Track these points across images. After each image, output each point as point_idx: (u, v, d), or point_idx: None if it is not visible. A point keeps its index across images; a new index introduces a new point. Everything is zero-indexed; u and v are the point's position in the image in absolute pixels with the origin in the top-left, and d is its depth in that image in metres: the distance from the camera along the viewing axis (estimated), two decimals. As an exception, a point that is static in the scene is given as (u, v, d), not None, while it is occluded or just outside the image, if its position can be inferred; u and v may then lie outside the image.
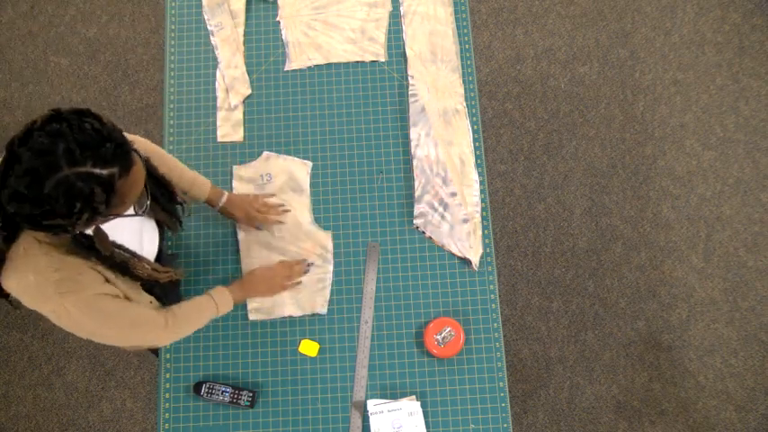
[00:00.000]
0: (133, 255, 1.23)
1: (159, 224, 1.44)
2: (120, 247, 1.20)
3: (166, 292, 1.52)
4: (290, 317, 1.61)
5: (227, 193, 1.59)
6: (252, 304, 1.61)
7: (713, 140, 2.75)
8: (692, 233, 2.64)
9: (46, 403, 2.38)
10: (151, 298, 1.39)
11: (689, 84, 2.82)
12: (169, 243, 1.66)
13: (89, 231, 1.12)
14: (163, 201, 1.35)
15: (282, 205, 1.67)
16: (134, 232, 1.30)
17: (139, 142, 1.40)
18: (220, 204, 1.58)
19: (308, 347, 1.59)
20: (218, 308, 1.45)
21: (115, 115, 2.70)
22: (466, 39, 1.85)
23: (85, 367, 2.41)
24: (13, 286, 1.08)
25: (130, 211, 1.18)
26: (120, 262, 1.19)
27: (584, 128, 2.75)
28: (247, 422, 1.54)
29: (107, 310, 1.18)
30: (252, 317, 1.60)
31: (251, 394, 1.52)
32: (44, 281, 1.08)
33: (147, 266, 1.27)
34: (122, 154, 0.99)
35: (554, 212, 2.65)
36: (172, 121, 1.75)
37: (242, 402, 1.52)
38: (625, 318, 2.54)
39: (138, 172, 1.04)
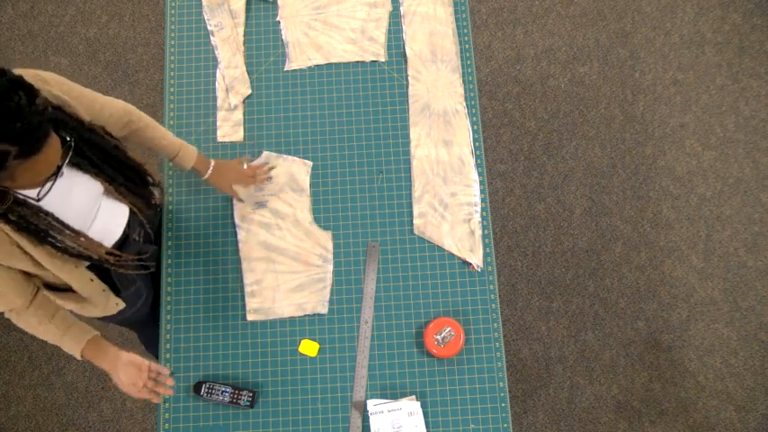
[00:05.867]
0: (62, 225, 1.17)
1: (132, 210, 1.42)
2: (48, 213, 1.14)
3: (122, 282, 1.46)
4: (290, 317, 1.61)
5: (214, 161, 1.59)
6: (251, 305, 1.61)
7: (713, 140, 2.75)
8: (692, 233, 2.64)
9: (46, 403, 2.38)
10: (92, 275, 1.33)
11: (689, 84, 2.82)
12: (169, 243, 1.66)
13: None
14: (131, 185, 1.33)
15: (267, 163, 1.70)
16: (83, 208, 1.26)
17: (118, 107, 1.38)
18: (209, 172, 1.57)
19: (308, 347, 1.59)
20: (63, 337, 1.32)
21: (115, 115, 2.70)
22: (466, 39, 1.85)
23: (85, 367, 2.41)
24: None
25: (33, 192, 1.12)
26: (32, 228, 1.13)
27: (584, 128, 2.75)
28: (247, 422, 1.54)
29: None
30: (251, 317, 1.60)
31: (251, 394, 1.52)
32: None
33: (82, 240, 1.22)
34: (29, 139, 0.94)
35: (554, 212, 2.65)
36: (172, 122, 1.75)
37: (242, 402, 1.52)
38: (625, 318, 2.54)
39: (43, 162, 1.00)
